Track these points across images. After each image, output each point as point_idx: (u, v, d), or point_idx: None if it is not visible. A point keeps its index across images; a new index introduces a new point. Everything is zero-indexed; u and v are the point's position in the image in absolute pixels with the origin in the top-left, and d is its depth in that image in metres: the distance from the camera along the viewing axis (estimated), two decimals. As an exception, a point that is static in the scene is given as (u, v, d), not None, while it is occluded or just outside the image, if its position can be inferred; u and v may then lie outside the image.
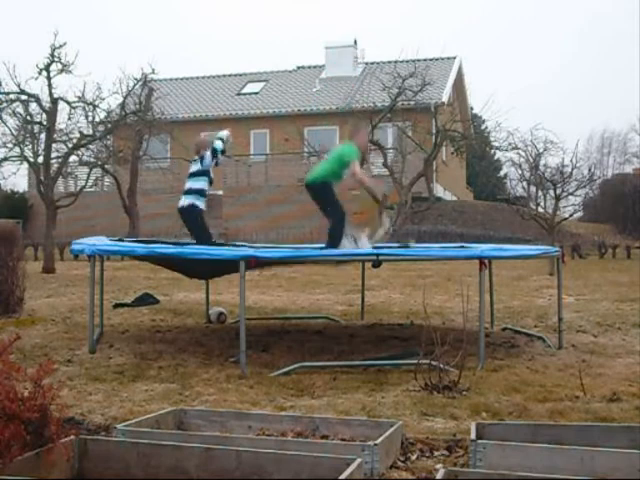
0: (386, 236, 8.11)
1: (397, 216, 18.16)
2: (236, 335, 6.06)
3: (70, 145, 16.56)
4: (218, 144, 7.96)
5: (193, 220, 7.89)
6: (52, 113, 15.66)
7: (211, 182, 8.04)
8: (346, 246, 6.95)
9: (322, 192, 7.14)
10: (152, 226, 22.73)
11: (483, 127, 30.29)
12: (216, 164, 8.14)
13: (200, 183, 7.90)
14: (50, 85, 15.45)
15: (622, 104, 67.12)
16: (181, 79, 33.48)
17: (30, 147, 16.32)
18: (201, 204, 7.88)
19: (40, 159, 16.00)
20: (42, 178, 15.78)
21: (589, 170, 18.91)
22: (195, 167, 7.94)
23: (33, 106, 16.06)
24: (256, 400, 4.85)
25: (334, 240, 6.92)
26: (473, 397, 4.83)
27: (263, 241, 19.20)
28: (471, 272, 9.06)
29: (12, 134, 16.39)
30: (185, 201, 7.89)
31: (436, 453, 3.68)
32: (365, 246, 7.00)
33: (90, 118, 16.73)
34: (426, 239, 19.83)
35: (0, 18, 70.18)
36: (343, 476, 2.90)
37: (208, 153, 7.87)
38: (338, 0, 76.21)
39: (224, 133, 8.32)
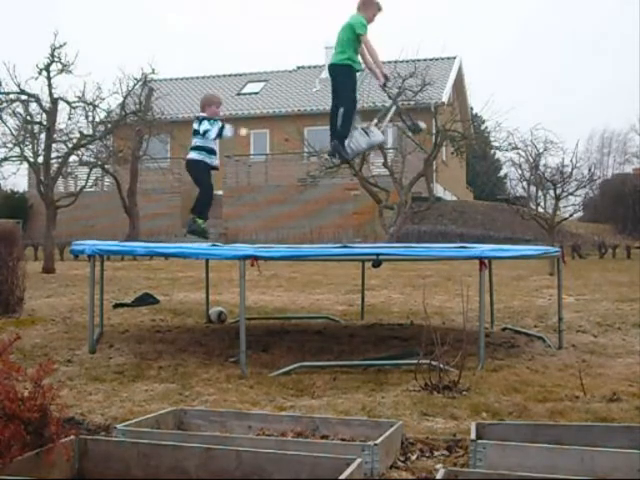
0: (396, 118, 8.15)
1: (397, 216, 18.15)
2: (236, 335, 6.06)
3: (70, 145, 16.55)
4: (227, 130, 7.74)
5: (199, 173, 7.81)
6: (52, 113, 15.66)
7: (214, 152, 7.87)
8: (357, 138, 7.07)
9: (346, 75, 7.27)
10: (152, 226, 22.75)
11: (483, 127, 30.29)
12: (220, 135, 7.94)
13: (206, 141, 7.71)
14: (50, 85, 15.44)
15: (622, 104, 67.13)
16: (181, 79, 33.52)
17: (30, 147, 16.32)
18: (206, 160, 7.69)
19: (40, 159, 15.99)
20: (42, 178, 15.77)
21: (589, 170, 18.92)
22: (199, 127, 7.66)
23: (33, 106, 16.06)
24: (256, 400, 4.85)
25: (345, 126, 7.09)
26: (473, 397, 4.83)
27: (263, 241, 19.22)
28: (471, 272, 9.07)
29: (12, 134, 16.39)
30: (191, 155, 7.75)
31: (436, 453, 3.68)
32: (377, 135, 7.10)
33: (90, 118, 16.74)
34: (426, 239, 19.85)
35: (0, 18, 70.16)
36: (343, 476, 2.90)
37: (215, 128, 7.60)
38: (338, 0, 76.16)
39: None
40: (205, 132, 7.47)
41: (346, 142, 7.34)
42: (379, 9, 7.40)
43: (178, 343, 6.99)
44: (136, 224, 20.08)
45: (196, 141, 7.61)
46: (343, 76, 7.33)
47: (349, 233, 22.38)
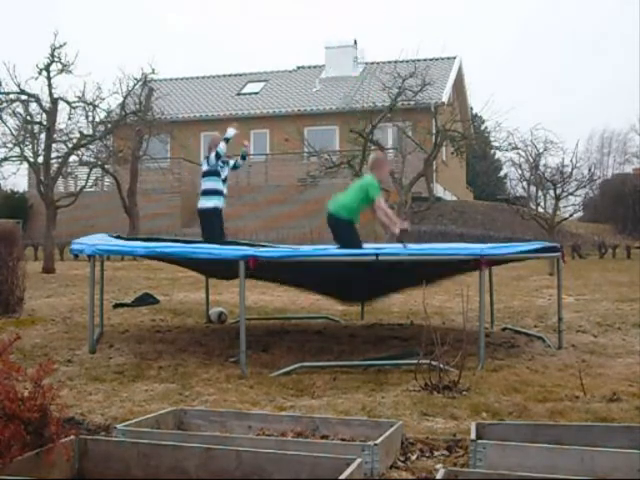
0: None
1: (397, 216, 18.13)
2: (236, 335, 6.06)
3: (70, 145, 16.55)
4: (221, 147, 7.97)
5: (204, 220, 7.95)
6: (52, 113, 15.65)
7: (224, 180, 8.02)
8: None
9: (344, 229, 7.14)
10: (152, 226, 22.71)
11: (483, 127, 30.29)
12: (234, 167, 8.17)
13: (209, 183, 7.94)
14: (50, 85, 15.44)
15: (622, 104, 67.17)
16: (181, 79, 33.48)
17: (30, 147, 16.31)
18: (212, 203, 7.88)
19: (40, 159, 15.99)
20: (42, 178, 15.76)
21: (589, 170, 18.93)
22: (204, 167, 7.99)
23: (33, 106, 16.05)
24: (256, 400, 4.85)
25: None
26: (473, 397, 4.83)
27: (263, 241, 19.18)
28: (471, 272, 9.05)
29: (12, 134, 16.37)
30: (199, 203, 7.99)
31: (436, 453, 3.68)
32: None
33: (90, 118, 16.72)
34: (426, 239, 19.83)
35: (0, 18, 70.19)
36: (343, 476, 2.90)
37: (213, 154, 7.90)
38: (338, 0, 76.21)
39: (230, 132, 8.36)
40: (207, 158, 7.71)
41: None
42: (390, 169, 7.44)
43: (178, 343, 6.99)
44: (136, 224, 20.07)
45: (211, 184, 7.82)
46: (341, 229, 7.20)
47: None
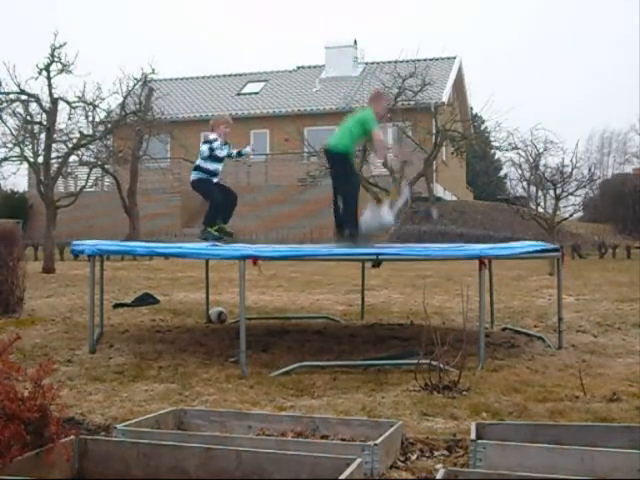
0: (405, 206, 8.06)
1: (397, 216, 18.16)
2: (236, 335, 6.06)
3: (70, 145, 16.54)
4: (217, 145, 7.92)
5: (204, 189, 7.93)
6: (52, 113, 15.65)
7: (222, 159, 7.98)
8: (368, 219, 7.05)
9: (342, 162, 7.22)
10: (152, 226, 22.74)
11: (483, 127, 30.29)
12: (228, 155, 8.16)
13: (201, 161, 7.92)
14: (50, 85, 15.44)
15: (622, 104, 67.17)
16: (181, 79, 33.49)
17: (30, 147, 16.31)
18: (195, 176, 7.88)
19: (40, 159, 15.99)
20: (42, 178, 15.76)
21: (589, 170, 18.94)
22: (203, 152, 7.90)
23: (33, 106, 16.05)
24: (256, 400, 4.85)
25: (348, 214, 7.02)
26: (473, 397, 4.83)
27: (263, 241, 19.20)
28: (471, 272, 9.06)
29: (12, 134, 16.37)
30: (193, 176, 7.98)
31: (436, 453, 3.68)
32: (387, 216, 7.08)
33: (90, 118, 16.73)
34: (426, 239, 19.83)
35: (0, 18, 70.20)
36: (343, 476, 2.90)
37: (207, 146, 7.83)
38: (338, 0, 76.22)
39: (246, 150, 8.39)
40: (204, 152, 7.69)
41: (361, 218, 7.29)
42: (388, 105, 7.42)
43: (178, 343, 6.99)
44: (136, 224, 20.08)
45: (199, 162, 7.82)
46: (339, 164, 7.29)
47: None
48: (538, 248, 7.12)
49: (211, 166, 7.88)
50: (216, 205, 7.94)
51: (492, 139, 22.31)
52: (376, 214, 7.16)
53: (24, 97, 15.82)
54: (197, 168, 7.95)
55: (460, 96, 31.57)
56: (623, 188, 26.11)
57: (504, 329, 7.85)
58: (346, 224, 7.07)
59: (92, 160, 18.94)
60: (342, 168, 7.25)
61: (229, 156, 8.29)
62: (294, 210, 24.16)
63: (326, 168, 7.49)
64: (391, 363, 5.90)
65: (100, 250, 6.71)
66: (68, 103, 16.07)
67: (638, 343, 6.97)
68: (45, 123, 15.81)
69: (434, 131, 20.51)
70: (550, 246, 7.53)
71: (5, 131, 16.42)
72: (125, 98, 17.52)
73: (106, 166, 20.34)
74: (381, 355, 6.26)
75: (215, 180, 8.01)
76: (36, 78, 15.46)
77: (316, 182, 20.90)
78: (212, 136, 7.96)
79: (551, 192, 17.01)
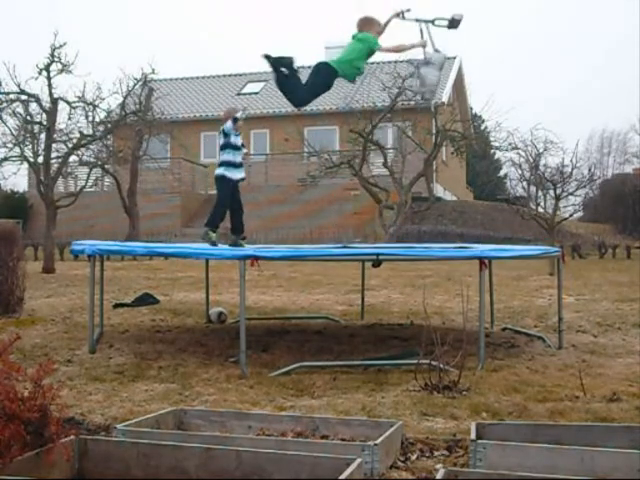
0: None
1: (397, 216, 18.16)
2: (236, 335, 6.06)
3: (70, 145, 16.55)
4: (227, 125, 7.78)
5: (218, 189, 7.79)
6: (52, 113, 15.65)
7: (238, 148, 7.84)
8: (427, 72, 6.86)
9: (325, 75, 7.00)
10: (152, 226, 22.73)
11: (483, 127, 30.28)
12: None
13: (222, 155, 7.78)
14: (50, 85, 15.44)
15: (622, 104, 67.15)
16: (181, 79, 33.50)
17: (30, 147, 16.31)
18: (230, 174, 7.70)
19: (40, 159, 15.99)
20: (42, 178, 15.76)
21: (589, 170, 18.92)
22: (220, 140, 7.81)
23: (33, 106, 16.06)
24: (256, 400, 4.85)
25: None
26: (473, 397, 4.83)
27: (263, 241, 19.20)
28: (471, 272, 9.06)
29: (12, 134, 16.38)
30: (216, 171, 7.80)
31: (436, 453, 3.68)
32: (438, 56, 6.86)
33: (90, 118, 16.73)
34: (426, 239, 19.83)
35: (0, 18, 70.19)
36: (343, 476, 2.90)
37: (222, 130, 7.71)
38: (338, 0, 76.22)
39: (239, 114, 8.17)
40: (224, 145, 7.59)
41: (418, 83, 6.98)
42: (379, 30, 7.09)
43: (178, 343, 6.99)
44: (136, 224, 20.08)
45: (221, 155, 7.69)
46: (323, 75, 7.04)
47: (349, 233, 22.36)
48: (540, 252, 7.14)
49: (232, 157, 7.72)
50: (219, 209, 7.77)
51: (492, 139, 22.29)
52: (427, 64, 6.81)
53: (24, 97, 15.83)
54: (221, 163, 7.75)
55: (460, 96, 31.57)
56: (623, 188, 26.10)
57: (504, 329, 7.85)
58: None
59: (92, 160, 18.94)
60: (323, 77, 6.97)
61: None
62: (294, 210, 24.16)
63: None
64: (391, 363, 5.90)
65: (100, 250, 6.71)
66: (68, 103, 16.08)
67: (638, 343, 6.97)
68: (45, 123, 15.81)
69: (434, 131, 20.48)
70: (551, 249, 7.54)
71: (5, 131, 16.45)
72: (125, 98, 17.52)
73: (106, 166, 20.34)
74: (381, 355, 6.26)
75: (238, 176, 7.80)
76: (36, 78, 15.48)
77: (316, 182, 20.89)
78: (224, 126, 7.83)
79: (551, 192, 17.00)
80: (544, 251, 7.29)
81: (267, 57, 6.98)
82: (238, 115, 7.86)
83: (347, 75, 6.89)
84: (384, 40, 7.00)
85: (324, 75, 6.97)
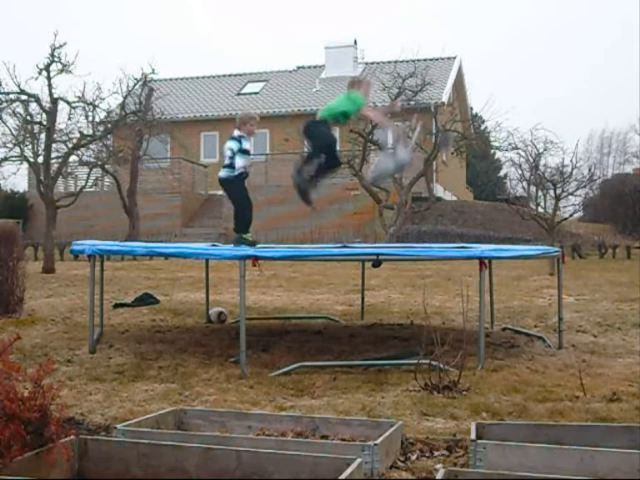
0: (420, 137, 7.76)
1: (397, 216, 18.16)
2: (236, 335, 6.06)
3: (70, 145, 16.55)
4: (241, 132, 7.75)
5: (233, 190, 7.70)
6: (52, 113, 15.65)
7: (247, 152, 7.78)
8: (387, 163, 6.98)
9: (320, 127, 7.05)
10: (152, 226, 22.74)
11: (483, 127, 30.29)
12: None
13: (236, 159, 7.70)
14: (50, 85, 15.44)
15: (622, 104, 67.15)
16: (181, 79, 33.50)
17: (30, 147, 16.31)
18: (224, 173, 7.63)
19: (40, 159, 15.99)
20: (42, 178, 15.77)
21: (589, 170, 18.91)
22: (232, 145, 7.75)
23: (33, 106, 16.05)
24: (256, 400, 4.85)
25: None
26: (473, 397, 4.83)
27: (263, 241, 19.19)
28: (471, 272, 9.06)
29: (12, 134, 16.37)
30: (226, 174, 7.71)
31: (436, 453, 3.68)
32: (403, 153, 6.90)
33: (90, 118, 16.73)
34: (426, 239, 19.84)
35: (0, 18, 70.19)
36: (343, 476, 2.90)
37: (233, 144, 7.63)
38: (338, 0, 76.24)
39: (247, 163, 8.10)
40: (229, 149, 7.57)
41: (371, 167, 7.24)
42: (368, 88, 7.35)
43: (178, 343, 6.99)
44: (136, 224, 20.08)
45: (232, 160, 7.65)
46: (316, 128, 7.08)
47: (349, 233, 22.36)
48: (540, 252, 7.14)
49: (241, 161, 7.69)
50: (243, 210, 7.68)
51: (492, 139, 22.30)
52: (390, 155, 7.01)
53: (24, 97, 15.83)
54: (227, 165, 7.70)
55: (460, 96, 31.58)
56: (623, 188, 26.10)
57: (504, 329, 7.85)
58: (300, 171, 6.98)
59: (92, 160, 18.94)
60: (320, 131, 6.99)
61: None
62: (294, 210, 24.10)
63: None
64: (391, 363, 5.90)
65: (100, 250, 6.71)
66: (68, 103, 16.07)
67: (638, 343, 6.97)
68: (45, 123, 15.81)
69: (434, 131, 20.49)
70: (551, 249, 7.54)
71: (5, 131, 16.44)
72: (125, 98, 17.52)
73: (106, 166, 20.33)
74: (381, 355, 6.25)
75: (245, 175, 7.76)
76: (36, 78, 15.47)
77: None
78: (236, 133, 7.80)
79: (551, 192, 17.01)
80: (544, 251, 7.28)
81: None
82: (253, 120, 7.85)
83: (338, 120, 7.05)
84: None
85: (319, 132, 7.10)
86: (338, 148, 7.02)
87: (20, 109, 16.18)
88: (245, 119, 7.81)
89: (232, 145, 7.47)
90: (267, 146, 29.20)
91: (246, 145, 7.62)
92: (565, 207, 18.05)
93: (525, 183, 18.40)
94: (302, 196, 7.04)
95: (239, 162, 7.41)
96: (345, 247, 7.07)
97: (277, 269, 13.49)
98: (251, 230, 7.54)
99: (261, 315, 8.78)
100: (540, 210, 17.76)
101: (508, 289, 11.06)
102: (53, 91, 15.53)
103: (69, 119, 16.45)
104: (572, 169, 17.18)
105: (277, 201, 24.97)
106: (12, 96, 15.92)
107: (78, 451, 3.30)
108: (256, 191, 25.84)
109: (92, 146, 18.12)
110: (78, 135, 16.64)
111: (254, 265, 5.69)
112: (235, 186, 7.49)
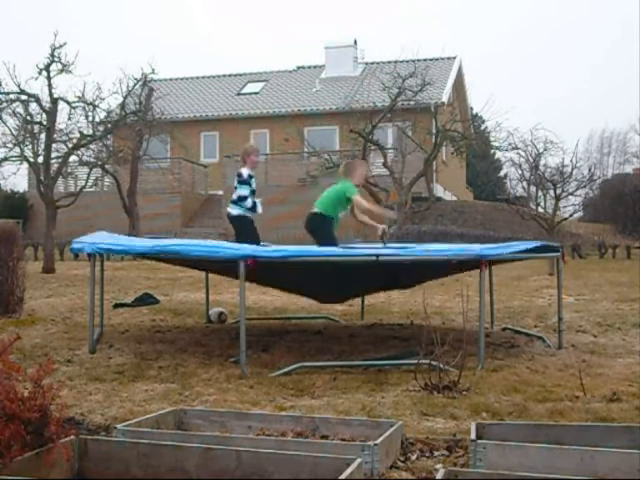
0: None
1: (397, 216, 18.14)
2: (236, 335, 6.06)
3: (70, 145, 16.54)
4: (258, 208, 7.94)
5: (236, 228, 7.88)
6: (52, 113, 15.65)
7: (253, 192, 7.94)
8: None
9: (320, 224, 7.65)
10: (152, 226, 22.71)
11: (483, 127, 30.28)
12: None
13: (240, 191, 7.88)
14: (50, 85, 15.44)
15: (622, 104, 67.15)
16: (181, 79, 33.50)
17: (30, 147, 16.30)
18: (248, 213, 7.84)
19: (40, 159, 15.98)
20: (42, 178, 15.76)
21: (589, 170, 18.92)
22: (235, 184, 7.96)
23: (33, 106, 16.04)
24: (256, 400, 4.85)
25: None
26: (473, 397, 4.83)
27: (263, 241, 19.20)
28: (471, 272, 9.05)
29: (12, 134, 16.36)
30: (230, 208, 7.93)
31: (436, 453, 3.68)
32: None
33: (90, 118, 16.72)
34: (426, 239, 19.82)
35: (0, 18, 70.20)
36: (343, 476, 2.90)
37: (244, 189, 7.79)
38: (338, 0, 76.24)
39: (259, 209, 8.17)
40: (240, 198, 7.71)
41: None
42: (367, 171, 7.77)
43: (178, 343, 6.99)
44: (136, 224, 20.05)
45: (235, 193, 7.79)
46: (318, 228, 7.67)
47: (349, 233, 22.35)
48: (539, 245, 7.11)
49: (246, 192, 7.88)
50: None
51: (492, 139, 22.28)
52: None
53: (24, 97, 15.82)
54: (235, 201, 7.88)
55: (460, 96, 31.57)
56: (623, 188, 26.09)
57: (504, 329, 7.85)
58: None
59: (92, 160, 18.93)
60: (321, 229, 7.61)
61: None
62: (294, 210, 24.10)
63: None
64: (391, 363, 5.90)
65: (99, 248, 6.70)
66: (68, 103, 16.07)
67: (638, 343, 6.97)
68: (45, 123, 15.81)
69: (434, 131, 20.49)
70: (552, 244, 7.52)
71: (5, 131, 16.42)
72: (125, 98, 17.51)
73: (106, 166, 20.31)
74: (381, 355, 6.26)
75: (259, 210, 7.94)
76: (36, 78, 15.47)
77: (316, 182, 20.90)
78: (245, 172, 7.93)
79: (551, 192, 17.01)
80: (542, 244, 7.25)
81: None
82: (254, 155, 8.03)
83: (329, 211, 7.64)
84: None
85: (320, 229, 7.73)
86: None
87: (20, 109, 16.18)
88: (249, 150, 7.98)
89: (244, 192, 7.70)
90: (267, 146, 29.18)
91: (255, 184, 7.84)
92: (565, 207, 18.07)
93: (525, 183, 18.41)
94: None
95: (245, 193, 7.63)
96: (345, 247, 7.07)
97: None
98: (270, 230, 7.85)
99: (261, 315, 8.78)
100: (540, 210, 17.76)
101: (508, 289, 11.06)
102: (53, 91, 15.54)
103: (69, 119, 16.46)
104: (572, 169, 17.20)
105: (277, 201, 24.95)
106: (12, 96, 15.91)
107: (78, 451, 3.30)
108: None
109: (92, 146, 18.11)
110: (78, 135, 16.64)
111: (253, 265, 5.69)
112: (245, 224, 7.74)
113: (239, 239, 7.68)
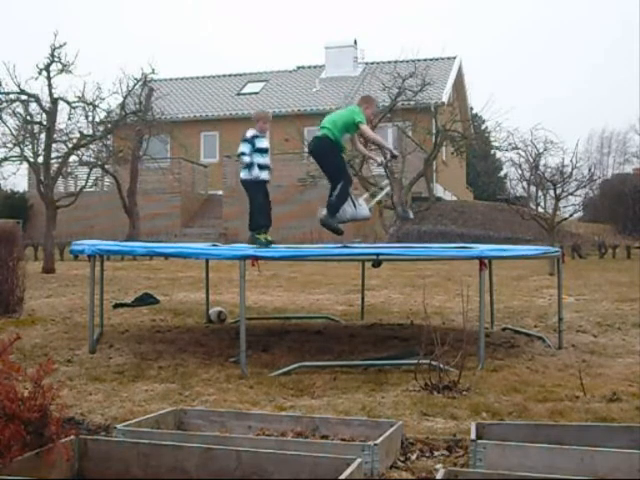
0: (386, 198, 8.51)
1: (397, 216, 18.14)
2: (236, 335, 6.06)
3: (70, 145, 16.53)
4: (255, 130, 7.81)
5: (254, 191, 7.80)
6: (52, 113, 15.64)
7: (265, 151, 7.84)
8: (344, 208, 7.20)
9: (328, 153, 7.34)
10: (152, 226, 22.72)
11: (483, 127, 30.28)
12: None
13: (256, 158, 7.76)
14: (50, 85, 15.42)
15: (622, 104, 67.17)
16: (181, 79, 33.49)
17: (30, 147, 16.28)
18: (263, 175, 7.71)
19: (40, 159, 15.97)
20: (42, 178, 15.75)
21: (589, 170, 18.88)
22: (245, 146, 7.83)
23: (33, 106, 16.02)
24: (256, 400, 4.85)
25: (340, 199, 7.18)
26: (473, 397, 4.83)
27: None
28: (471, 272, 9.05)
29: (12, 134, 16.34)
30: (241, 174, 7.83)
31: (436, 453, 3.68)
32: (364, 210, 7.33)
33: (90, 118, 16.69)
34: (426, 239, 19.83)
35: (0, 18, 70.21)
36: (343, 476, 2.90)
37: (244, 146, 7.69)
38: (338, 0, 76.26)
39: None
40: (240, 154, 7.66)
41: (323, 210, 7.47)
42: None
43: (178, 343, 6.99)
44: (136, 224, 20.05)
45: (243, 159, 7.74)
46: (326, 154, 7.38)
47: (349, 233, 22.36)
48: (539, 252, 7.13)
49: (261, 159, 7.75)
50: (258, 208, 7.76)
51: (492, 139, 22.27)
52: (351, 205, 7.34)
53: (24, 97, 15.80)
54: (247, 166, 7.77)
55: (460, 96, 31.57)
56: (623, 188, 26.07)
57: (504, 329, 7.85)
58: (328, 206, 7.28)
59: (92, 160, 18.91)
60: (332, 159, 7.34)
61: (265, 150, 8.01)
62: (294, 210, 24.12)
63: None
64: (391, 363, 5.90)
65: (100, 250, 6.71)
66: (68, 103, 16.05)
67: (638, 343, 6.97)
68: (45, 123, 15.80)
69: (434, 131, 20.49)
70: (551, 249, 7.54)
71: (5, 131, 16.40)
72: (125, 98, 17.50)
73: (106, 166, 20.29)
74: (381, 355, 6.26)
75: (265, 177, 7.81)
76: (36, 78, 15.45)
77: (316, 182, 20.89)
78: (249, 133, 7.84)
79: (551, 192, 16.98)
80: (544, 251, 7.28)
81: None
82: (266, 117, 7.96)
83: (337, 135, 7.32)
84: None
85: (328, 162, 7.44)
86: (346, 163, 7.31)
87: (20, 109, 16.16)
88: (257, 117, 7.93)
89: (243, 149, 7.61)
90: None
91: (261, 144, 7.72)
92: (565, 207, 18.03)
93: (525, 183, 18.38)
94: (332, 231, 7.41)
95: (254, 172, 7.56)
96: (345, 247, 7.07)
97: (277, 269, 13.48)
98: (270, 231, 7.72)
99: (261, 315, 8.78)
100: (540, 210, 17.74)
101: (508, 289, 11.06)
102: (53, 91, 15.52)
103: (69, 119, 16.43)
104: (572, 169, 17.16)
105: (277, 201, 24.80)
106: (12, 96, 15.89)
107: (78, 451, 3.30)
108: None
109: (92, 146, 18.08)
110: (78, 135, 16.62)
111: (253, 265, 5.69)
112: (252, 189, 7.67)
113: (250, 207, 7.75)
